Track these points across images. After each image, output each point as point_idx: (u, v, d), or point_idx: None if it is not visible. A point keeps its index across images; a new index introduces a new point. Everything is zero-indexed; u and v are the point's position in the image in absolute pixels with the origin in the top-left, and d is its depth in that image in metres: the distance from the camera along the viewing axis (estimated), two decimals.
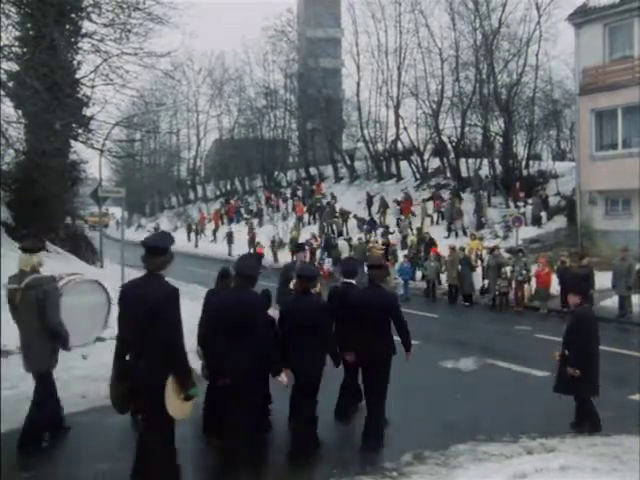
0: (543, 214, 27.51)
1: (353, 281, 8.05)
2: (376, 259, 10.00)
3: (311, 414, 6.91)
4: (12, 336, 9.94)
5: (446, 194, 32.10)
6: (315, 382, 6.83)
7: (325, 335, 6.87)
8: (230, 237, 36.32)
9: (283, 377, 6.49)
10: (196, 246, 41.82)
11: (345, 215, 32.83)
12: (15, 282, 6.75)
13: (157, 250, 5.37)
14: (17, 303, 6.66)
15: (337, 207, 35.28)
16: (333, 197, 37.87)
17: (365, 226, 32.17)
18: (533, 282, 18.88)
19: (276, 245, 32.33)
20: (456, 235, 27.87)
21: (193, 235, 43.84)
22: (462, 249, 21.57)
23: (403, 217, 30.93)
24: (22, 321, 6.73)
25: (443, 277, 21.51)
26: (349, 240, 28.52)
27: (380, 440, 7.13)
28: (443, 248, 22.62)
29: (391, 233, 29.06)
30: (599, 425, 7.67)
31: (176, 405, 5.18)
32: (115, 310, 5.63)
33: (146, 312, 5.10)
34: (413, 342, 7.50)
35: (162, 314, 5.10)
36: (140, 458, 5.39)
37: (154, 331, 5.08)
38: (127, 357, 5.35)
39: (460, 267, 20.29)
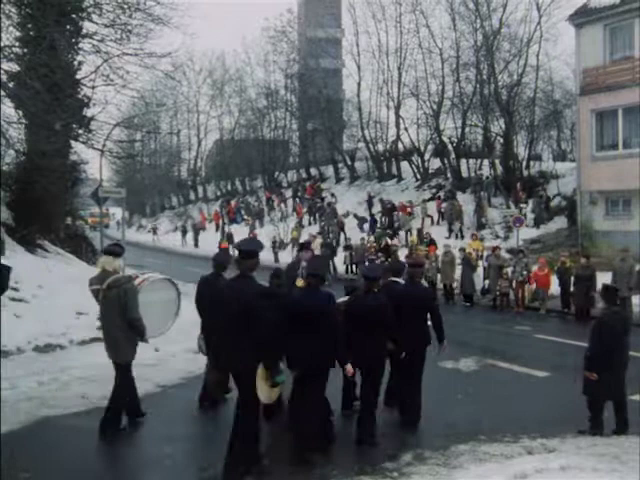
0: (531, 216, 27.54)
1: (400, 279, 8.52)
2: (417, 259, 11.43)
3: (374, 405, 7.47)
4: (11, 337, 9.97)
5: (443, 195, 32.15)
6: (380, 375, 7.39)
7: (391, 330, 7.34)
8: (230, 238, 36.34)
9: (349, 368, 6.93)
10: (196, 246, 41.83)
11: (342, 224, 32.66)
12: (97, 283, 7.51)
13: (249, 254, 6.19)
14: (101, 301, 7.45)
15: (338, 208, 35.29)
16: (333, 195, 37.92)
17: (365, 225, 32.22)
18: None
19: (277, 245, 32.33)
20: (456, 237, 27.87)
21: (191, 236, 43.83)
22: (462, 249, 21.55)
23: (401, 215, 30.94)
24: (105, 316, 7.49)
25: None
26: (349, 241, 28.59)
27: (419, 413, 7.99)
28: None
29: (393, 234, 29.06)
30: (600, 429, 7.61)
31: (265, 391, 6.06)
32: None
33: (241, 308, 5.87)
34: None
35: (256, 310, 5.85)
36: (234, 437, 6.15)
37: (248, 325, 5.83)
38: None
39: (461, 267, 20.30)
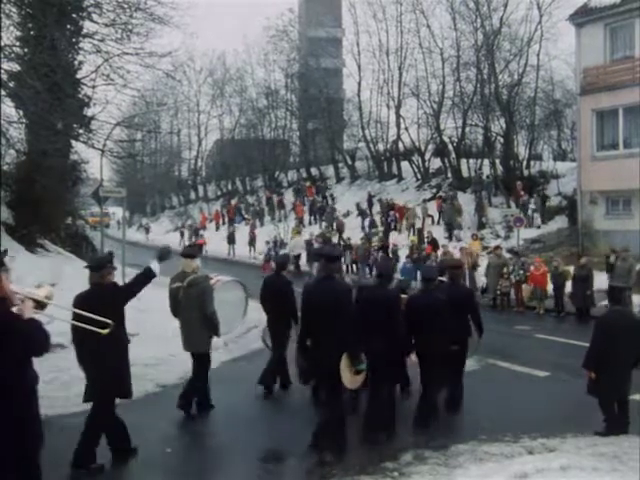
0: (537, 215, 27.57)
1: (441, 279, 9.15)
2: (455, 261, 12.38)
3: (436, 392, 8.27)
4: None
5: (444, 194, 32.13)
6: (436, 363, 8.01)
7: (447, 325, 7.98)
8: (232, 237, 36.35)
9: (413, 357, 7.86)
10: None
11: (341, 226, 32.62)
12: (178, 281, 8.37)
13: (334, 258, 7.46)
14: (180, 298, 8.21)
15: (337, 207, 35.30)
16: (332, 198, 37.92)
17: (366, 221, 32.29)
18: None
19: (277, 245, 32.32)
20: (452, 238, 27.79)
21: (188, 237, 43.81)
22: (462, 249, 21.57)
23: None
24: (184, 312, 8.26)
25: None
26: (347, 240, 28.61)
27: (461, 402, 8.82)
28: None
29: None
30: (618, 428, 7.52)
31: (348, 377, 6.87)
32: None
33: (330, 305, 6.72)
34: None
35: (343, 307, 6.77)
36: (321, 420, 7.01)
37: (335, 320, 6.65)
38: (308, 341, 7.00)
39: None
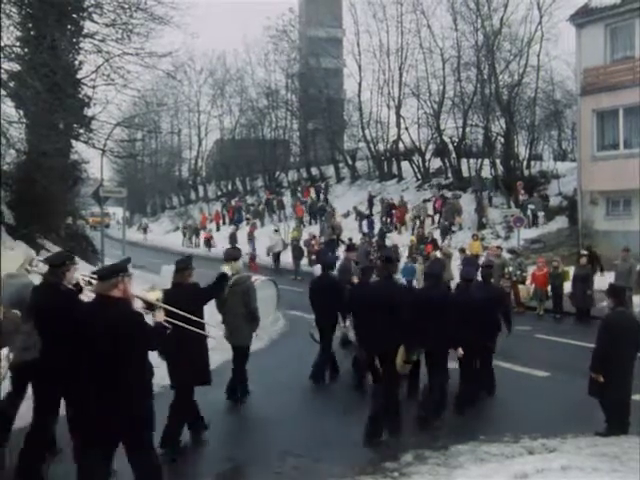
0: (541, 214, 27.58)
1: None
2: (487, 261, 13.63)
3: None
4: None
5: (448, 194, 32.13)
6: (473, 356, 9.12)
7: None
8: (233, 238, 36.29)
9: (460, 351, 8.62)
10: (197, 246, 41.80)
11: (339, 229, 32.57)
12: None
13: (393, 260, 8.46)
14: (226, 296, 8.73)
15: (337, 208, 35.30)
16: (326, 200, 37.95)
17: (364, 222, 32.26)
18: (528, 282, 18.86)
19: (235, 247, 32.02)
20: (445, 237, 27.80)
21: (193, 237, 43.79)
22: (462, 250, 21.55)
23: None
24: (230, 309, 8.86)
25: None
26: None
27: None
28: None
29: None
30: (615, 429, 7.55)
31: (401, 365, 7.73)
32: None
33: (390, 302, 7.54)
34: None
35: (401, 303, 7.60)
36: (375, 405, 7.68)
37: (393, 315, 7.42)
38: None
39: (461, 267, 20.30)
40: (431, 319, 7.89)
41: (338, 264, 12.72)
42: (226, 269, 8.50)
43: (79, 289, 6.42)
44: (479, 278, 10.11)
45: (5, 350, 5.26)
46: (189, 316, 6.49)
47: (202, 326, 7.38)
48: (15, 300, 6.10)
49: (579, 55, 25.07)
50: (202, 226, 45.62)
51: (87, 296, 5.96)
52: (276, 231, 31.08)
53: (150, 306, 5.64)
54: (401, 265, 22.72)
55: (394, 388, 7.82)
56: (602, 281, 17.30)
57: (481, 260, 21.74)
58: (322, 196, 40.42)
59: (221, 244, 37.44)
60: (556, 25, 30.43)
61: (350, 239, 28.61)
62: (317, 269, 15.19)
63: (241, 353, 9.22)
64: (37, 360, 5.95)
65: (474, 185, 31.70)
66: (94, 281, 5.71)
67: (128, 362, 5.09)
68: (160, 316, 5.63)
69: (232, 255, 9.41)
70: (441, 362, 8.33)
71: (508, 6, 31.08)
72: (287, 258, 28.47)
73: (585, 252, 18.06)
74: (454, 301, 8.73)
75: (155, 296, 5.88)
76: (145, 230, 51.29)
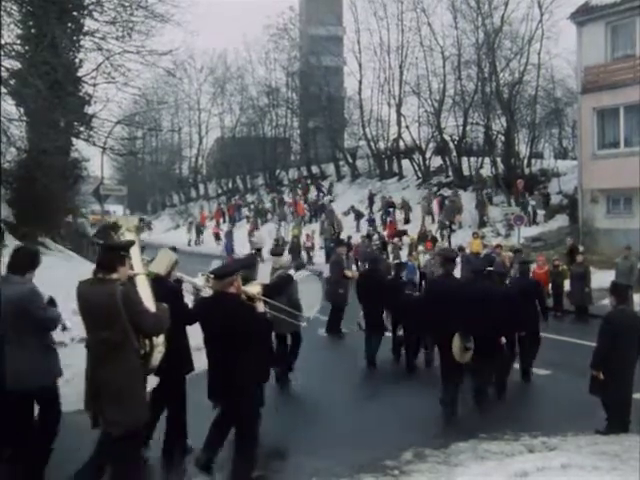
0: (541, 212, 27.58)
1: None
2: (525, 257, 14.82)
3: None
4: None
5: (447, 192, 32.14)
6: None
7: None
8: (230, 235, 36.29)
9: (503, 339, 9.46)
10: (197, 244, 41.81)
11: (339, 227, 32.59)
12: (270, 276, 9.80)
13: (452, 259, 9.42)
14: None
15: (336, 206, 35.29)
16: (324, 199, 37.95)
17: (362, 220, 32.27)
18: None
19: (279, 244, 32.26)
20: (443, 234, 27.81)
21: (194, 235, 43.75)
22: (461, 248, 21.55)
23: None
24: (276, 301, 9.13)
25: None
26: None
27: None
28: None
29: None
30: (615, 427, 7.55)
31: (458, 353, 8.37)
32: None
33: (450, 296, 8.32)
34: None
35: (462, 297, 8.41)
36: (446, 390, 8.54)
37: (452, 307, 8.23)
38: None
39: (461, 265, 20.30)
40: (482, 310, 8.62)
41: (331, 259, 13.56)
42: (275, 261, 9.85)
43: (180, 284, 6.85)
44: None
45: (161, 338, 5.48)
46: (284, 307, 7.63)
47: (296, 317, 8.80)
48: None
49: (580, 53, 25.05)
50: (202, 224, 45.62)
51: (206, 292, 6.59)
52: (298, 231, 31.79)
53: (250, 299, 6.24)
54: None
55: (454, 374, 8.58)
56: (601, 279, 17.33)
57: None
58: (324, 194, 40.36)
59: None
60: (557, 23, 30.50)
61: (349, 237, 28.70)
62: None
63: (280, 342, 10.00)
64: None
65: (475, 183, 31.69)
66: (211, 279, 6.33)
67: (245, 349, 5.77)
68: (261, 307, 6.29)
69: (277, 251, 10.78)
70: (492, 349, 9.10)
71: (509, 4, 31.15)
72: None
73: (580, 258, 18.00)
74: (498, 293, 9.52)
75: (256, 290, 6.44)
76: (149, 227, 51.20)
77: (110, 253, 5.18)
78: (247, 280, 6.68)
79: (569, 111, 34.92)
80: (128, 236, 5.77)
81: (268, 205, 43.60)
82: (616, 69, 23.37)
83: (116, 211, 53.14)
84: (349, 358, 12.07)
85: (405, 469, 6.47)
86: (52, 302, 6.00)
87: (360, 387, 10.23)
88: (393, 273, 12.33)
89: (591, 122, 24.28)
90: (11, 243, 15.22)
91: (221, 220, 45.15)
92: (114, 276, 5.02)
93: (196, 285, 6.67)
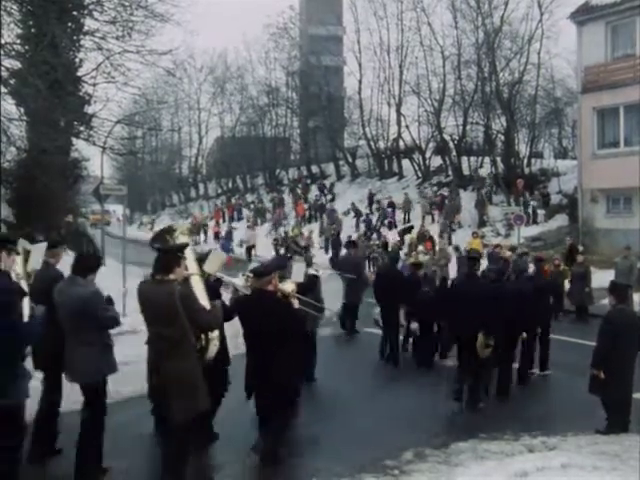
0: (541, 212, 27.60)
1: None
2: (542, 255, 15.19)
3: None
4: None
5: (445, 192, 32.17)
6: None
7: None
8: (229, 235, 36.28)
9: (524, 335, 9.93)
10: (197, 243, 41.77)
11: (340, 226, 32.60)
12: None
13: (476, 258, 9.93)
14: None
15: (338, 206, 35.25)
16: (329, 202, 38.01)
17: (362, 221, 32.27)
18: None
19: (279, 244, 32.25)
20: (443, 235, 27.75)
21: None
22: (456, 248, 21.56)
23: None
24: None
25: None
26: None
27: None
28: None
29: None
30: (615, 427, 7.53)
31: (480, 349, 8.71)
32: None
33: (475, 295, 8.80)
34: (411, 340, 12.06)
35: (486, 297, 8.79)
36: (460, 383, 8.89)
37: (478, 306, 8.61)
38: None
39: (457, 264, 20.37)
40: (503, 309, 8.99)
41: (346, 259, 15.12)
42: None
43: (220, 283, 7.10)
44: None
45: (216, 332, 6.08)
46: (313, 302, 8.00)
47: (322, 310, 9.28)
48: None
49: (580, 53, 25.04)
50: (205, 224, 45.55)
51: (246, 290, 6.97)
52: (298, 230, 31.99)
53: (285, 296, 6.64)
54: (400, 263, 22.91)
55: (472, 368, 8.95)
56: (601, 279, 17.33)
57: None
58: (326, 194, 40.34)
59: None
60: (557, 23, 30.48)
61: (349, 237, 28.70)
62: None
63: (305, 339, 10.04)
64: None
65: (475, 182, 31.68)
66: (250, 278, 6.82)
67: (282, 345, 6.24)
68: (296, 304, 6.71)
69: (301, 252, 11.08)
70: (511, 346, 9.60)
71: (509, 4, 31.15)
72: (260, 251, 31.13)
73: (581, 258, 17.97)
74: (518, 292, 9.85)
75: (290, 288, 6.86)
76: (152, 225, 51.11)
77: (167, 256, 5.65)
78: (282, 278, 7.10)
79: (569, 111, 34.92)
80: (182, 239, 6.27)
81: (268, 205, 43.58)
82: (616, 69, 23.36)
83: (116, 210, 53.41)
84: (351, 358, 12.12)
85: (405, 469, 6.47)
86: (110, 301, 6.33)
87: (361, 387, 10.20)
88: (409, 272, 12.67)
89: (591, 122, 24.28)
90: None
91: (221, 220, 45.17)
92: (171, 277, 5.48)
93: (235, 285, 7.01)
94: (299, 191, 43.31)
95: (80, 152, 22.19)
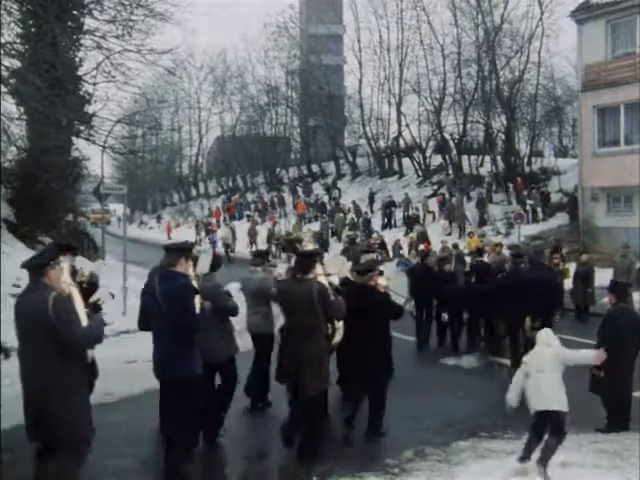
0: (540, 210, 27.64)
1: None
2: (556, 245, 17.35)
3: None
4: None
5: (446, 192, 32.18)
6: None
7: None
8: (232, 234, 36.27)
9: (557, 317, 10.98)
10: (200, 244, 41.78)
11: (342, 218, 32.66)
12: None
13: (519, 255, 11.55)
14: None
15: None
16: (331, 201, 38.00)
17: (360, 219, 32.33)
18: None
19: (280, 243, 32.25)
20: (454, 234, 27.83)
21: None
22: (455, 246, 21.56)
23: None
24: None
25: None
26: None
27: None
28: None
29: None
30: (615, 426, 7.54)
31: (529, 331, 9.83)
32: None
33: (523, 287, 10.27)
34: (411, 339, 12.25)
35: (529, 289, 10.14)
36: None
37: (522, 296, 10.12)
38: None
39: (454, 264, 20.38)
40: (543, 295, 10.21)
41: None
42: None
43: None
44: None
45: (341, 322, 7.17)
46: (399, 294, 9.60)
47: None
48: (259, 289, 8.37)
49: (580, 51, 25.00)
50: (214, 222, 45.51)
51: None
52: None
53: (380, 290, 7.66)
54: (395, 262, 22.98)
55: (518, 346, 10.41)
56: (601, 277, 17.30)
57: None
58: (330, 194, 40.34)
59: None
60: (557, 21, 30.48)
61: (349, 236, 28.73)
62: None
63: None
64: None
65: (460, 183, 31.74)
66: (355, 275, 7.92)
67: (380, 329, 7.40)
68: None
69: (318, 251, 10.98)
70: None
71: (509, 2, 31.24)
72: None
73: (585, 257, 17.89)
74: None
75: (385, 282, 7.98)
76: (159, 220, 50.94)
77: (306, 259, 6.89)
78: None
79: (569, 109, 34.97)
80: (309, 246, 7.92)
81: (260, 205, 43.57)
82: (616, 67, 23.33)
83: (116, 210, 53.44)
84: None
85: (406, 467, 6.47)
86: (229, 294, 7.39)
87: None
88: (437, 267, 13.57)
89: (591, 120, 24.25)
90: (14, 243, 15.26)
91: (221, 219, 45.18)
92: (310, 276, 6.69)
93: (333, 283, 7.45)
94: (299, 190, 43.28)
95: (80, 151, 22.15)
